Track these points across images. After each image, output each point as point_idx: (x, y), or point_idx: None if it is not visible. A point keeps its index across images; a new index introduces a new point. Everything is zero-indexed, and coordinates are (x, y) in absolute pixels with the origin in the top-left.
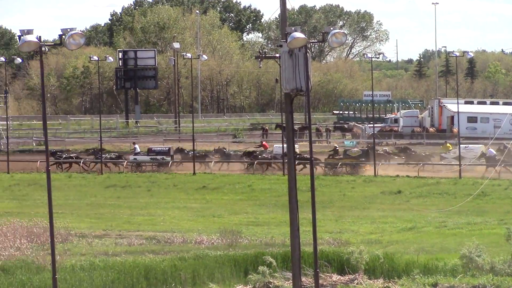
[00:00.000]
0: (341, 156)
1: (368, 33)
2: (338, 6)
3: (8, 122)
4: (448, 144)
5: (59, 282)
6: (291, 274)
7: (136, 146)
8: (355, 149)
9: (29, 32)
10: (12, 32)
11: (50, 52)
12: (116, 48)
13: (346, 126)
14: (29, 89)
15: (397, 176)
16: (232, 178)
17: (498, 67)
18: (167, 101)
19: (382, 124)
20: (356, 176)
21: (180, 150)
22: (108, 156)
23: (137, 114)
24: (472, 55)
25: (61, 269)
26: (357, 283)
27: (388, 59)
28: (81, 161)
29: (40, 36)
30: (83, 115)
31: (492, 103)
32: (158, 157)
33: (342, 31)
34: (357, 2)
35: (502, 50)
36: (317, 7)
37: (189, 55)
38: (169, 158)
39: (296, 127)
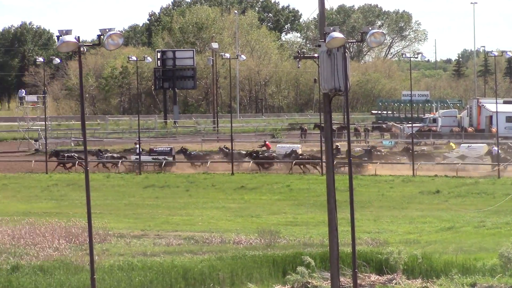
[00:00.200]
0: (344, 156)
1: (407, 33)
2: (377, 6)
3: (47, 123)
4: (451, 144)
5: (97, 283)
6: (329, 274)
7: (138, 146)
8: (358, 148)
9: (68, 32)
10: (50, 32)
11: (89, 53)
12: (154, 48)
13: (384, 126)
14: (68, 90)
15: (436, 176)
16: (270, 178)
17: None
18: (206, 101)
19: (421, 124)
20: (394, 176)
21: (183, 151)
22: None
23: (175, 114)
24: (511, 54)
25: (100, 269)
26: (395, 283)
27: (426, 59)
28: (80, 161)
29: (78, 37)
30: (121, 115)
31: None
32: (160, 157)
33: (380, 31)
34: (396, 2)
35: None
36: (356, 7)
37: (227, 55)
38: (171, 159)
39: (334, 127)
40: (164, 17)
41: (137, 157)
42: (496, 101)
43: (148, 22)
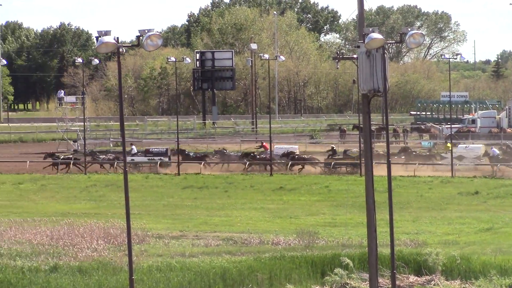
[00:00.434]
0: (341, 156)
1: (446, 34)
2: (416, 6)
3: (86, 123)
4: (448, 144)
5: (136, 283)
6: (368, 275)
7: (133, 147)
8: (355, 149)
9: (107, 33)
10: (89, 33)
11: (128, 53)
12: (193, 49)
13: (423, 127)
14: (107, 90)
15: (474, 177)
16: (309, 179)
17: None
18: (244, 102)
19: (460, 125)
20: (433, 177)
21: (181, 151)
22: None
23: (214, 115)
24: None
25: (138, 270)
26: (434, 284)
27: (465, 60)
28: (75, 162)
29: (117, 37)
30: (160, 116)
31: None
32: (156, 158)
33: (419, 31)
34: (435, 3)
35: None
36: (395, 8)
37: (266, 56)
38: (166, 159)
39: (373, 127)
40: (203, 18)
41: (133, 158)
42: None
43: (187, 23)
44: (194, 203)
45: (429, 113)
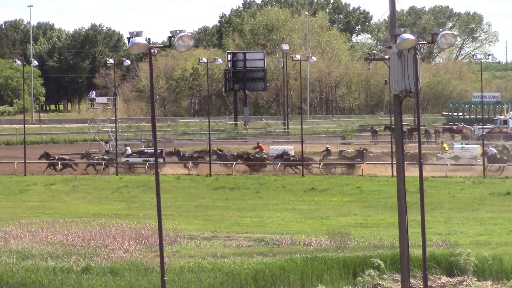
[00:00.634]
0: (335, 157)
1: (478, 34)
2: (448, 7)
3: (117, 124)
4: (444, 145)
5: (168, 284)
6: (399, 276)
7: (128, 148)
8: (350, 150)
9: (138, 34)
10: (120, 34)
11: (159, 54)
12: (225, 50)
13: (455, 127)
14: (138, 91)
15: (506, 177)
16: (341, 180)
17: None
18: (276, 103)
19: (492, 126)
20: (465, 177)
21: (176, 152)
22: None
23: (246, 116)
24: None
25: (170, 271)
26: (466, 285)
27: (497, 60)
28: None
29: (149, 38)
30: (192, 116)
31: None
32: (151, 159)
33: (451, 32)
34: (467, 3)
35: None
36: (427, 8)
37: (298, 56)
38: (161, 160)
39: (405, 128)
40: (235, 19)
41: (127, 159)
42: None
43: (218, 24)
44: (225, 204)
45: (461, 113)
